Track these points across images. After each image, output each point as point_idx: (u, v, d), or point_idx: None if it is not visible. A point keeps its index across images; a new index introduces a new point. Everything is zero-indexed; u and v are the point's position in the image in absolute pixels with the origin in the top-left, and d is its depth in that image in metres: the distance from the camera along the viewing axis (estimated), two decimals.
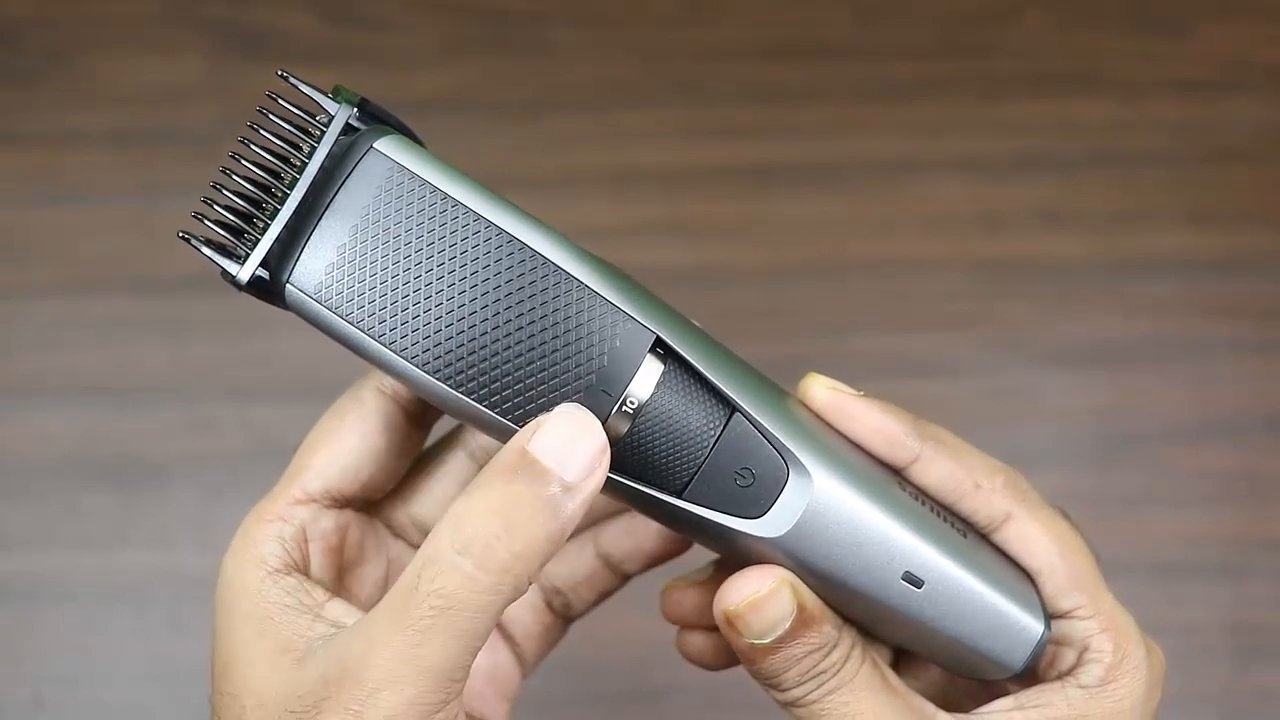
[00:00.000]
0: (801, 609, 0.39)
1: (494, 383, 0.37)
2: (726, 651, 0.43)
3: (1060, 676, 0.42)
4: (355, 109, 0.37)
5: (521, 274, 0.37)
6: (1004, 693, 0.42)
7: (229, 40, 0.83)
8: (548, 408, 0.37)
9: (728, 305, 0.79)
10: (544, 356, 0.37)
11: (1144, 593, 0.75)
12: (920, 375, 0.79)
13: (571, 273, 0.37)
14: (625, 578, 0.48)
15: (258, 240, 0.37)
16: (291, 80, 0.37)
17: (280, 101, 0.37)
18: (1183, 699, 0.74)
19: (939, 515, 0.41)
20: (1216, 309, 0.80)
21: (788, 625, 0.39)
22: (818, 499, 0.38)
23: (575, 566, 0.48)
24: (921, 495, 0.41)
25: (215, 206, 0.37)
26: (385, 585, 0.45)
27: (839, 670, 0.40)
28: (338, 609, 0.40)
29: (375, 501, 0.45)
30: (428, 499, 0.46)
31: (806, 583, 0.39)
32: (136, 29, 0.84)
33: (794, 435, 0.39)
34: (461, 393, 0.37)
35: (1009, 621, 0.41)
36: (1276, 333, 0.80)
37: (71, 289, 0.79)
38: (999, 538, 0.42)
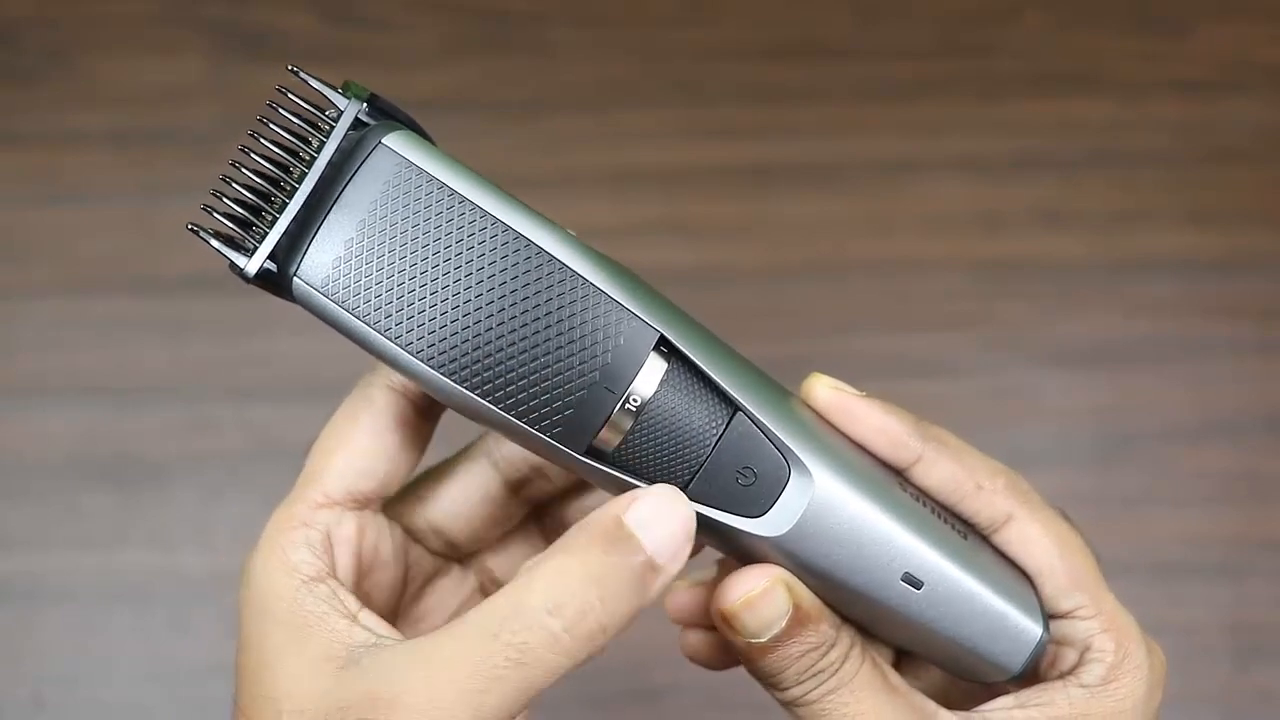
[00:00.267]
0: (797, 608, 0.39)
1: (498, 378, 0.37)
2: (729, 651, 0.43)
3: (1062, 676, 0.42)
4: (364, 104, 0.37)
5: (527, 271, 0.37)
6: (1005, 691, 0.42)
7: (229, 40, 0.83)
8: (551, 404, 0.37)
9: (728, 305, 0.79)
10: (548, 353, 0.37)
11: (1144, 593, 0.75)
12: (920, 375, 0.79)
13: (577, 270, 0.37)
14: None
15: (266, 233, 0.37)
16: (301, 75, 0.38)
17: (290, 96, 0.38)
18: (1183, 699, 0.74)
19: (940, 517, 0.41)
20: (1216, 309, 0.80)
21: (783, 624, 0.39)
22: (818, 499, 0.38)
23: None
24: (922, 496, 0.41)
25: (224, 199, 0.37)
26: (401, 588, 0.45)
27: (838, 670, 0.40)
28: (370, 615, 0.40)
29: (389, 501, 0.44)
30: (449, 505, 0.46)
31: (807, 582, 0.39)
32: (136, 29, 0.84)
33: (796, 435, 0.39)
34: (465, 388, 0.37)
35: (1008, 624, 0.41)
36: (1276, 333, 0.80)
37: (71, 289, 0.79)
38: (1000, 539, 0.42)
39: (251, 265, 0.37)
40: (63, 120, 0.82)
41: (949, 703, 0.42)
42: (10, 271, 0.79)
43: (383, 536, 0.44)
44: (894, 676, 0.41)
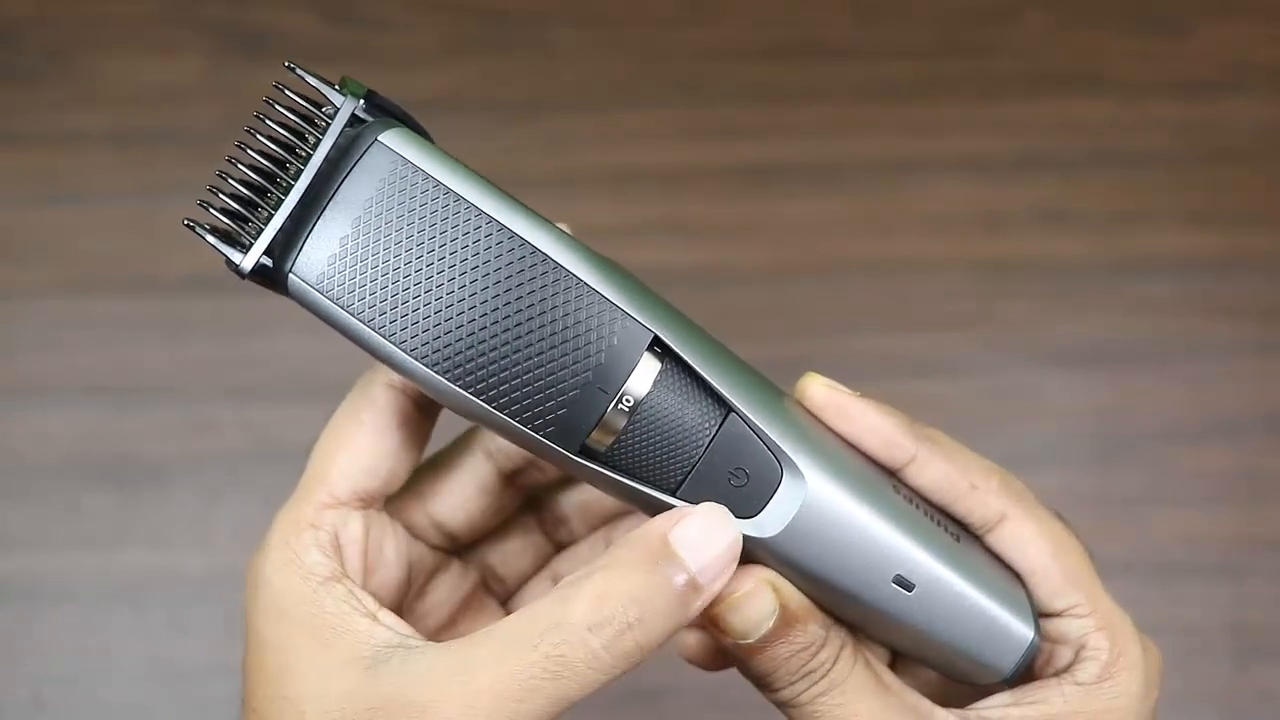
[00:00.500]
0: (784, 608, 0.39)
1: (491, 377, 0.37)
2: (724, 653, 0.44)
3: (1057, 674, 0.42)
4: (361, 101, 0.38)
5: (521, 270, 0.37)
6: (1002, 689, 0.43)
7: (229, 40, 0.83)
8: (544, 403, 0.37)
9: (728, 305, 0.79)
10: (542, 353, 0.37)
11: (1144, 593, 0.75)
12: (920, 375, 0.79)
13: (571, 270, 0.37)
14: None
15: (262, 229, 0.37)
16: (298, 71, 0.38)
17: (287, 92, 0.38)
18: (1183, 699, 0.74)
19: (932, 518, 0.41)
20: (1216, 309, 0.80)
21: (770, 625, 0.39)
22: (811, 500, 0.38)
23: None
24: (915, 498, 0.41)
25: (220, 195, 0.37)
26: (405, 586, 0.45)
27: (829, 670, 0.40)
28: (389, 615, 0.40)
29: (390, 498, 0.45)
30: (447, 498, 0.46)
31: (798, 584, 0.39)
32: (136, 29, 0.84)
33: (789, 436, 0.39)
34: (459, 386, 0.37)
35: (999, 627, 0.41)
36: (1276, 333, 0.80)
37: (71, 289, 0.79)
38: (994, 538, 0.42)
39: (247, 261, 0.37)
40: (62, 120, 0.82)
41: (947, 701, 0.42)
42: (10, 271, 0.79)
43: (386, 535, 0.44)
44: (888, 676, 0.41)
